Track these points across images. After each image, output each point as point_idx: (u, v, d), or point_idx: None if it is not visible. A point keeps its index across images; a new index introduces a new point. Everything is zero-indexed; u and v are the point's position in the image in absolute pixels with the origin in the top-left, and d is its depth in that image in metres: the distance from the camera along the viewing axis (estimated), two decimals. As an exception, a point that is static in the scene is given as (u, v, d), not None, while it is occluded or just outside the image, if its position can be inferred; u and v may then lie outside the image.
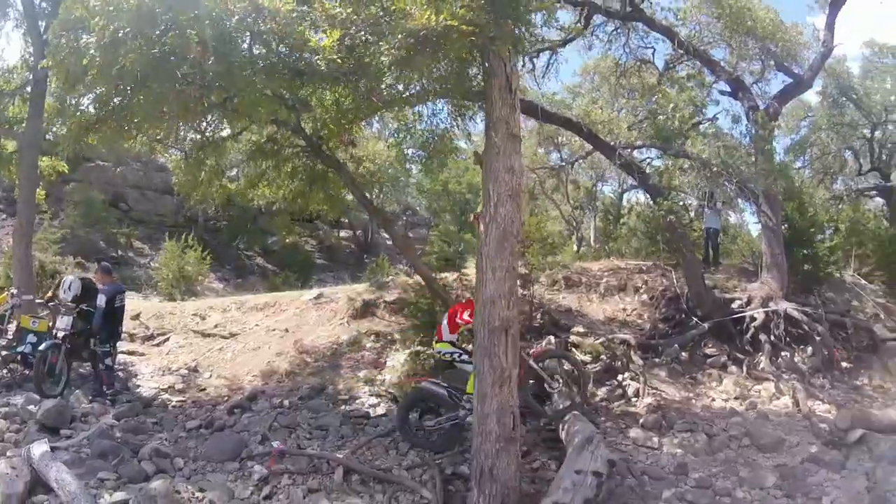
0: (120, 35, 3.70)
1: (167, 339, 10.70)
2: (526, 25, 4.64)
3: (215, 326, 11.10)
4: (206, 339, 10.64)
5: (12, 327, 8.60)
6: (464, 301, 7.34)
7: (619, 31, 12.12)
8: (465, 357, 6.57)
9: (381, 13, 4.48)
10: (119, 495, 4.96)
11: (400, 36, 4.03)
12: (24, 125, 10.35)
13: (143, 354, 9.94)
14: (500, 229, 4.84)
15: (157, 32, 3.77)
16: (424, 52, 4.21)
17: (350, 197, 8.78)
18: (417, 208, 27.99)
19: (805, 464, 6.30)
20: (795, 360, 9.29)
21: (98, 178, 20.56)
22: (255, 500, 5.31)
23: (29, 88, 10.49)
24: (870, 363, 10.26)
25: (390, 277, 12.79)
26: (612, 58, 13.13)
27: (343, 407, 7.75)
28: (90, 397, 7.59)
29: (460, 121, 6.47)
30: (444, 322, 6.78)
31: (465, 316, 6.49)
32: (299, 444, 6.53)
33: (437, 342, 6.85)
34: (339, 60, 4.17)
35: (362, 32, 4.53)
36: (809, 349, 9.41)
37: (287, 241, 22.43)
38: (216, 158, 7.84)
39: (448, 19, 3.95)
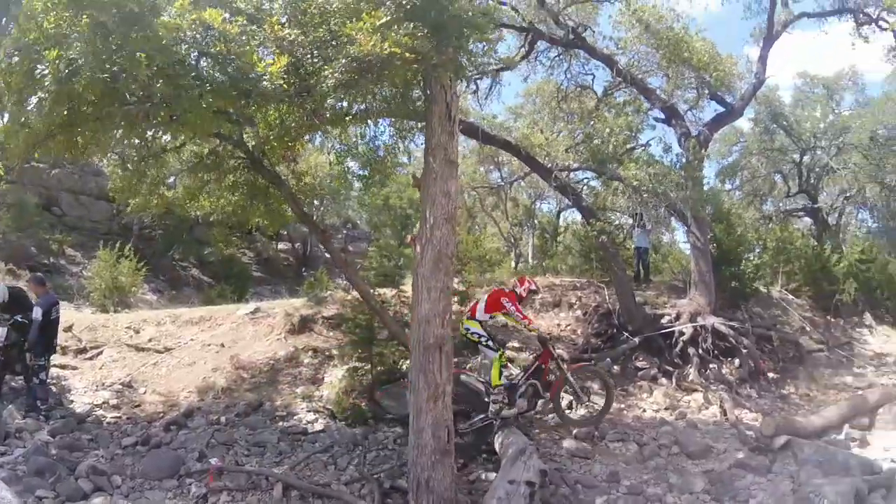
0: (72, 66, 3.78)
1: (100, 352, 10.43)
2: (467, 55, 4.92)
3: (150, 340, 10.88)
4: (141, 353, 10.44)
5: None
6: (507, 290, 7.63)
7: (561, 57, 12.73)
8: (490, 343, 7.02)
9: (329, 37, 4.70)
10: None
11: (345, 61, 4.24)
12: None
13: (75, 368, 9.70)
14: (436, 251, 5.07)
15: (107, 54, 3.85)
16: (368, 76, 4.43)
17: (291, 212, 8.85)
18: (358, 222, 28.01)
19: (732, 469, 6.76)
20: (723, 371, 9.94)
21: (32, 180, 19.61)
22: None
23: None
24: (796, 373, 11.06)
25: (329, 292, 12.83)
26: (553, 82, 13.75)
27: (281, 423, 7.82)
28: (23, 412, 7.44)
29: (401, 142, 6.75)
30: (483, 300, 7.21)
31: (508, 305, 7.06)
32: (237, 461, 6.60)
33: (468, 318, 7.20)
34: (285, 85, 4.34)
35: (309, 56, 4.74)
36: (736, 361, 10.09)
37: (224, 252, 21.99)
38: (157, 169, 7.80)
39: (392, 47, 4.18)
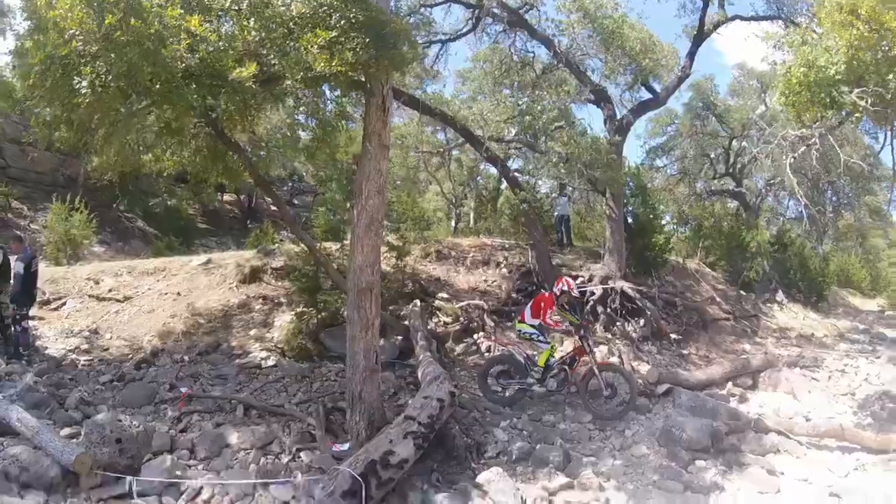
0: (103, 79, 5.26)
1: (64, 303, 11.56)
2: (400, 68, 6.57)
3: (110, 291, 12.03)
4: (102, 302, 11.58)
5: None
6: (547, 293, 9.13)
7: (506, 32, 14.27)
8: (541, 338, 8.73)
9: (288, 38, 6.25)
10: (66, 430, 6.27)
11: (301, 74, 5.84)
12: None
13: (42, 318, 10.74)
14: (369, 216, 6.67)
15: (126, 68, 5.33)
16: (320, 83, 6.06)
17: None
18: (304, 174, 28.66)
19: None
20: (628, 329, 11.97)
21: (-28, 132, 19.67)
22: (173, 433, 6.69)
23: None
24: (697, 337, 13.12)
25: (276, 245, 14.15)
26: (500, 51, 15.29)
27: (238, 360, 9.25)
28: (5, 359, 8.50)
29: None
30: (528, 308, 8.89)
31: (549, 318, 8.69)
32: (203, 390, 8.03)
33: (519, 322, 9.02)
34: (254, 86, 5.93)
35: (271, 57, 6.29)
36: (641, 321, 12.10)
37: (169, 203, 22.80)
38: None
39: (338, 66, 5.78)
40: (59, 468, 5.20)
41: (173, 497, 5.45)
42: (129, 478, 5.27)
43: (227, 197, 25.58)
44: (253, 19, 6.30)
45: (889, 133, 8.49)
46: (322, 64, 5.71)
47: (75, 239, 15.77)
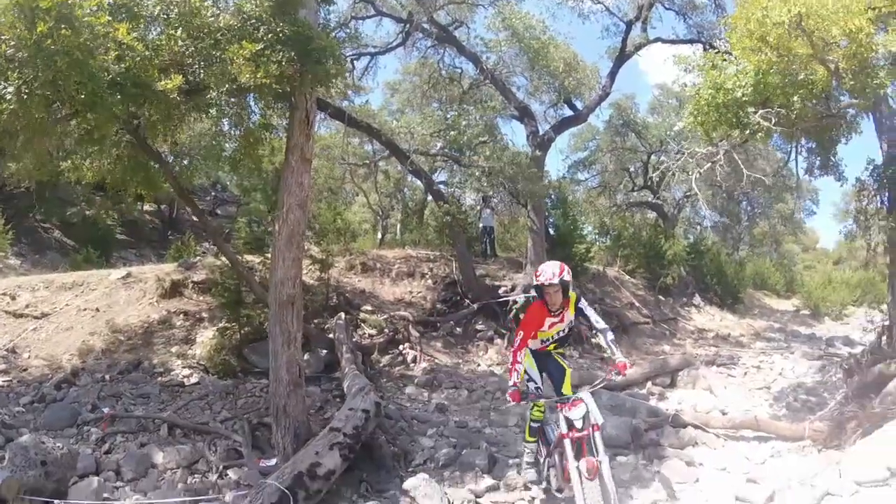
0: (30, 87, 5.10)
1: None
2: (325, 82, 6.63)
3: (27, 307, 11.53)
4: (19, 319, 11.10)
5: None
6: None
7: (435, 48, 14.55)
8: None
9: (214, 49, 6.21)
10: None
11: (227, 86, 5.83)
12: None
13: None
14: (290, 229, 6.68)
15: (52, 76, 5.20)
16: (245, 94, 6.06)
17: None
18: (227, 184, 27.99)
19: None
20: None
21: None
22: (98, 455, 6.58)
23: None
24: (619, 340, 13.61)
25: (198, 258, 13.85)
26: (429, 65, 15.55)
27: (160, 378, 9.05)
28: None
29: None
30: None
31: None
32: (126, 409, 7.86)
33: None
34: (178, 96, 5.86)
35: (197, 67, 6.24)
36: None
37: (87, 213, 21.85)
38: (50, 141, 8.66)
39: (263, 77, 5.79)
40: (-16, 494, 4.99)
41: (99, 521, 5.30)
42: (56, 502, 5.16)
43: (146, 207, 24.72)
44: (180, 28, 6.22)
45: (794, 149, 9.19)
46: (247, 75, 5.71)
47: (-10, 251, 14.84)
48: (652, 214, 24.75)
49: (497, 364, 10.94)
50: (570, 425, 5.03)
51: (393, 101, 17.88)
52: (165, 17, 6.31)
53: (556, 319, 5.62)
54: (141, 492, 5.97)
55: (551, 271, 5.33)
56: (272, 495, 4.85)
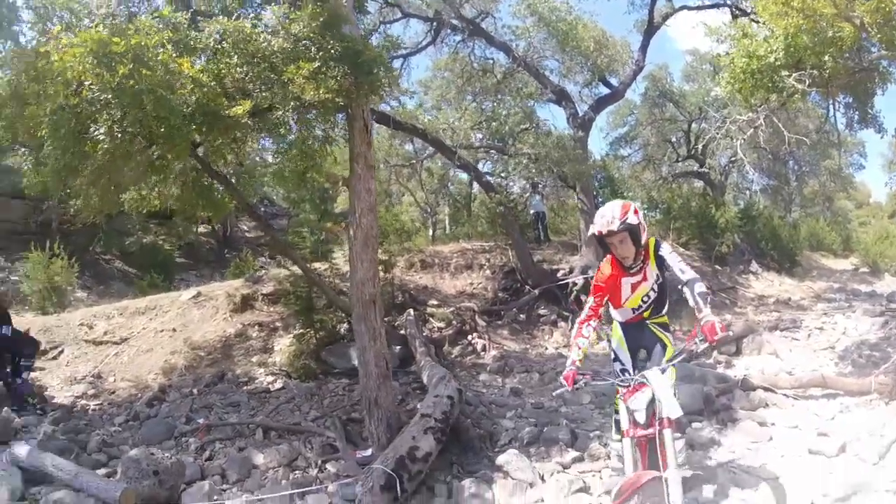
0: (120, 127, 5.65)
1: (61, 351, 11.69)
2: (378, 91, 7.03)
3: (105, 334, 12.20)
4: (99, 346, 11.76)
5: None
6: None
7: (465, 41, 14.83)
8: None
9: (271, 72, 6.66)
10: (100, 471, 6.40)
11: (292, 104, 6.28)
12: None
13: (43, 368, 10.87)
14: (364, 233, 7.09)
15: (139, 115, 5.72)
16: (308, 111, 6.51)
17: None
18: (274, 198, 28.69)
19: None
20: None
21: (-59, 185, 19.36)
22: (201, 463, 6.96)
23: None
24: (680, 313, 13.49)
25: (263, 271, 14.49)
26: (460, 59, 15.82)
27: (245, 387, 9.60)
28: (16, 412, 8.41)
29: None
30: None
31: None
32: (220, 418, 8.34)
33: None
34: (247, 120, 6.34)
35: (259, 91, 6.71)
36: None
37: (144, 241, 22.78)
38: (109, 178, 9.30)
39: (325, 93, 6.22)
40: (102, 507, 5.33)
41: (215, 520, 5.66)
42: None
43: (201, 229, 25.41)
44: (236, 56, 6.69)
45: (831, 106, 9.24)
46: (310, 93, 6.13)
47: (59, 286, 15.72)
48: (699, 184, 24.57)
49: (564, 346, 11.21)
50: (632, 419, 3.90)
51: (427, 98, 18.23)
52: (220, 47, 6.78)
53: (636, 278, 4.48)
54: (248, 491, 6.31)
55: (610, 214, 4.16)
56: (380, 478, 5.23)
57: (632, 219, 4.17)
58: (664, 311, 4.89)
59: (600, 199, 14.89)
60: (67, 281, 16.17)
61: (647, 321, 4.79)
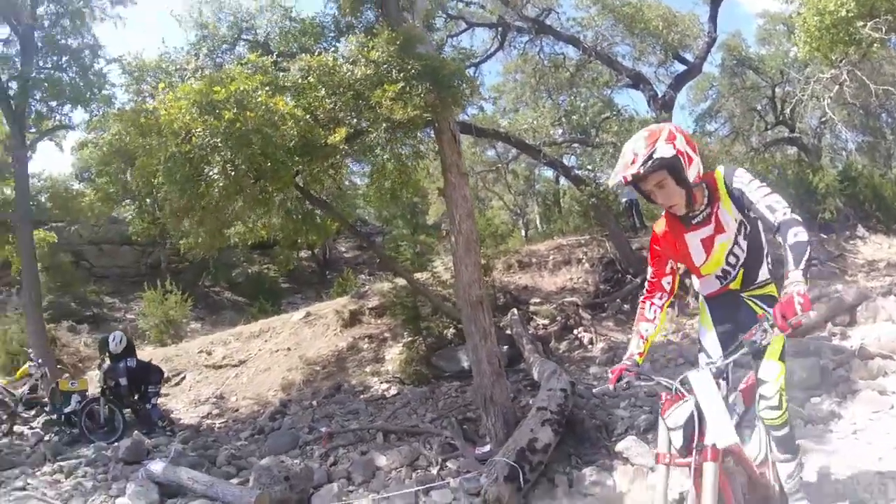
0: (233, 166, 6.28)
1: (183, 377, 12.77)
2: (461, 103, 7.37)
3: (223, 358, 13.19)
4: (219, 370, 12.74)
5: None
6: None
7: (532, 41, 14.97)
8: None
9: (357, 99, 7.12)
10: (234, 480, 6.83)
11: (384, 125, 6.70)
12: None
13: (167, 394, 11.81)
14: (465, 238, 7.42)
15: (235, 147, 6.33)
16: (399, 132, 6.94)
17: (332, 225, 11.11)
18: (366, 217, 30.02)
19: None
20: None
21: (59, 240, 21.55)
22: (326, 468, 7.34)
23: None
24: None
25: (366, 287, 15.18)
26: (530, 59, 15.96)
27: (362, 396, 10.11)
28: (145, 433, 9.11)
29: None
30: None
31: None
32: (341, 426, 8.80)
33: None
34: (343, 146, 6.82)
35: (349, 118, 7.19)
36: None
37: (250, 271, 24.28)
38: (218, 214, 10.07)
39: (413, 111, 6.60)
40: (239, 513, 5.78)
41: (346, 523, 6.03)
42: None
43: (303, 254, 26.73)
44: (323, 88, 7.18)
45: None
46: (399, 112, 6.52)
47: (175, 319, 17.12)
48: (792, 150, 23.42)
49: (672, 332, 11.10)
50: (669, 440, 2.81)
51: (503, 102, 18.44)
52: (307, 82, 7.28)
53: (706, 231, 3.17)
54: (373, 491, 6.62)
55: (631, 151, 2.87)
56: (503, 469, 5.49)
57: (663, 149, 2.82)
58: (766, 276, 3.34)
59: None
60: (182, 314, 17.63)
61: (742, 294, 3.33)
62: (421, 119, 6.78)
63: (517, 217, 25.06)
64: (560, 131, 13.78)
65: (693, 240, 3.22)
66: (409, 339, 10.75)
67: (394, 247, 16.41)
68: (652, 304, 3.40)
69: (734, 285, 3.34)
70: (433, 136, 8.01)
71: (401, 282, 11.37)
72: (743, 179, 3.06)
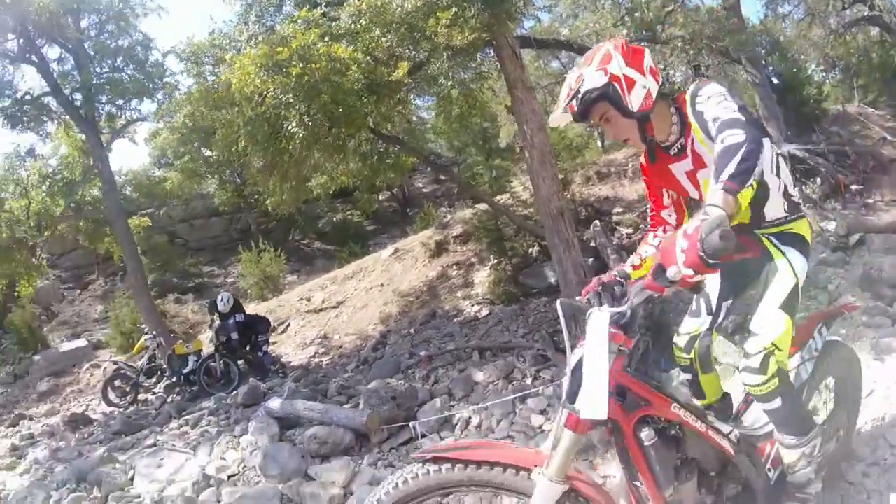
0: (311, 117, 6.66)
1: (288, 325, 13.56)
2: (516, 18, 7.34)
3: (322, 302, 13.88)
4: (320, 313, 13.43)
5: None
6: None
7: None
8: None
9: (410, 31, 7.24)
10: (346, 405, 7.35)
11: (446, 54, 6.83)
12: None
13: (275, 342, 12.57)
14: (539, 151, 7.57)
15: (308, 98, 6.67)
16: (459, 57, 7.04)
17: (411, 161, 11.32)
18: (439, 151, 29.98)
19: (816, 267, 8.23)
20: (806, 192, 11.77)
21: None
22: (428, 387, 7.77)
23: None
24: (879, 182, 12.50)
25: (449, 218, 15.43)
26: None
27: (456, 319, 10.52)
28: (259, 379, 9.90)
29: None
30: None
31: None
32: (439, 348, 9.24)
33: None
34: (407, 80, 7.02)
35: (408, 51, 7.35)
36: (818, 180, 11.66)
37: (335, 219, 25.07)
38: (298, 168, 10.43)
39: (470, 34, 6.68)
40: (352, 434, 6.23)
41: (448, 431, 6.42)
42: (412, 423, 6.33)
43: (382, 196, 27.07)
44: (377, 29, 7.32)
45: None
46: (457, 37, 6.62)
47: (272, 275, 17.91)
48: (875, 31, 21.33)
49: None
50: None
51: (559, 9, 17.68)
52: (360, 25, 7.43)
53: (687, 167, 2.63)
54: (473, 403, 6.98)
55: (567, 85, 2.49)
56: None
57: (591, 79, 2.37)
58: (781, 213, 2.68)
59: (770, 69, 13.72)
60: (278, 269, 18.38)
61: (756, 231, 2.71)
62: (479, 41, 6.86)
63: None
64: (624, 32, 13.20)
65: (679, 172, 2.67)
66: (496, 261, 11.00)
67: (470, 175, 16.45)
68: (656, 235, 2.88)
69: (743, 220, 2.65)
70: (493, 56, 8.01)
71: (482, 207, 11.61)
72: (704, 97, 2.39)
